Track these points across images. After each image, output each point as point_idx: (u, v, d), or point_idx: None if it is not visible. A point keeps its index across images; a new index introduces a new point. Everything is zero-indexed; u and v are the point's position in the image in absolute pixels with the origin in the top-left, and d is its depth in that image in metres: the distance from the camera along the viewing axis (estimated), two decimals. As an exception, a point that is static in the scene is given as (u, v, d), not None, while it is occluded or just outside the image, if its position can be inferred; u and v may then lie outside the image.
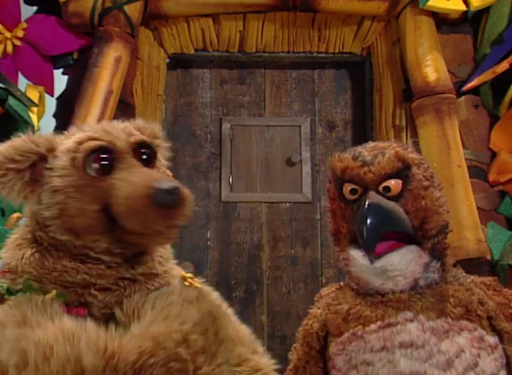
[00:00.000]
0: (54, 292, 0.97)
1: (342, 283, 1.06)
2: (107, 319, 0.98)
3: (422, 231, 0.93)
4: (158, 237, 0.99)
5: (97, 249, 0.99)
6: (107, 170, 0.97)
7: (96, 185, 0.96)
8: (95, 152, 0.97)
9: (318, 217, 2.19)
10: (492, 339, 0.93)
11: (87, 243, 0.98)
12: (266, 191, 2.20)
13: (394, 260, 0.92)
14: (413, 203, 0.93)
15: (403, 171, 0.94)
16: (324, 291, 1.09)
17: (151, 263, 1.06)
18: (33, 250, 1.00)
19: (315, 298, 1.09)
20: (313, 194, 2.20)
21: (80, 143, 0.99)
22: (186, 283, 1.16)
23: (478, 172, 1.87)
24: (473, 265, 1.67)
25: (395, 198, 0.93)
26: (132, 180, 0.96)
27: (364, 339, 0.91)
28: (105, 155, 0.98)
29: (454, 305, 0.94)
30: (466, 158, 1.82)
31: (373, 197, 0.92)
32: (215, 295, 1.11)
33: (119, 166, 0.98)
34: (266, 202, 2.20)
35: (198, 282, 1.16)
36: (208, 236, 2.17)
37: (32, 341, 0.84)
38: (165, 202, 0.93)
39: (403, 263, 0.92)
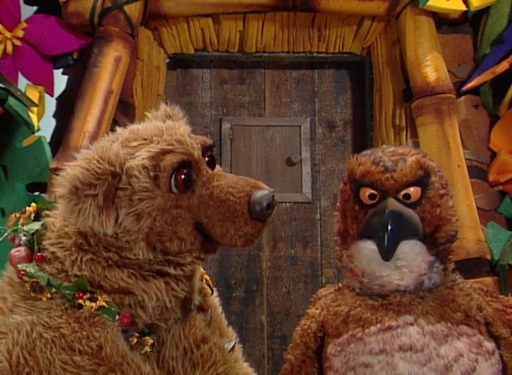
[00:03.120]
0: (105, 297, 0.91)
1: (340, 285, 1.06)
2: (147, 329, 0.97)
3: (432, 238, 0.94)
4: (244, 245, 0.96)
5: (180, 264, 0.94)
6: (189, 185, 0.91)
7: (183, 204, 0.90)
8: (177, 169, 0.90)
9: (318, 217, 2.19)
10: (489, 345, 0.94)
11: (173, 259, 0.93)
12: (266, 191, 2.20)
13: (404, 248, 0.91)
14: (429, 211, 0.93)
15: (423, 179, 0.94)
16: (321, 292, 1.09)
17: (196, 276, 1.04)
18: (93, 258, 0.92)
19: (312, 299, 1.09)
20: (313, 194, 2.20)
21: (157, 159, 0.90)
22: (203, 281, 1.16)
23: (478, 172, 1.87)
24: (473, 265, 1.67)
25: (413, 205, 0.93)
26: (224, 198, 0.91)
27: (364, 341, 0.92)
28: (187, 170, 0.91)
29: (454, 310, 0.94)
30: (466, 158, 1.82)
31: (393, 204, 0.92)
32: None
33: (199, 179, 0.93)
34: (266, 202, 2.19)
35: (208, 279, 1.17)
36: (208, 236, 2.17)
37: None
38: (265, 217, 0.91)
39: (412, 254, 0.92)
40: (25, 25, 1.95)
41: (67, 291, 0.91)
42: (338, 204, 1.02)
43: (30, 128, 1.82)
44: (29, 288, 0.92)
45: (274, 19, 2.06)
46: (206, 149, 0.99)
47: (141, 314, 0.94)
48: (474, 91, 1.91)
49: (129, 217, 0.89)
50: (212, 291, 1.17)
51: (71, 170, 0.88)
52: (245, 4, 1.97)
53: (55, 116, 2.04)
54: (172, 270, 0.94)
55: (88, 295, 0.91)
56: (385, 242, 0.89)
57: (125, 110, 1.98)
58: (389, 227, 0.89)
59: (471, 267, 1.67)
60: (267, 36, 2.10)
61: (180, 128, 0.99)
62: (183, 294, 0.98)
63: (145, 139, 0.94)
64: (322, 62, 2.27)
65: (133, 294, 0.93)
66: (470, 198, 1.75)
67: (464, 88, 1.90)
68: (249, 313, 2.10)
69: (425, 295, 0.95)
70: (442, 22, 1.97)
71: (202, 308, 1.10)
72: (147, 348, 0.95)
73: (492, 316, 0.97)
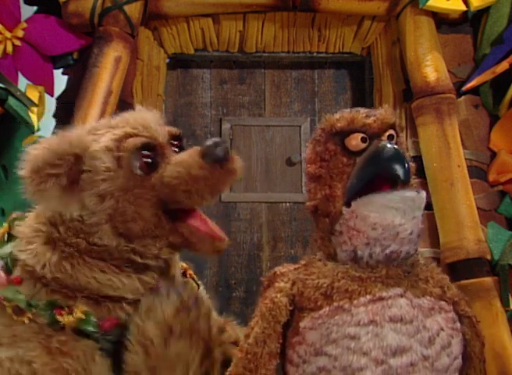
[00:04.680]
0: (81, 308, 0.91)
1: (305, 261, 1.05)
2: None
3: None
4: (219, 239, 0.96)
5: (147, 254, 0.94)
6: (153, 168, 0.92)
7: (146, 185, 0.91)
8: (139, 150, 0.91)
9: (318, 217, 2.19)
10: (458, 323, 0.96)
11: (139, 247, 0.93)
12: (266, 191, 2.20)
13: (422, 194, 0.93)
14: None
15: (395, 125, 0.99)
16: (280, 269, 1.06)
17: (175, 266, 1.04)
18: (63, 261, 0.93)
19: (267, 277, 1.06)
20: (313, 194, 2.20)
21: (120, 140, 0.92)
22: (187, 276, 1.16)
23: (478, 172, 1.87)
24: (473, 265, 1.67)
25: None
26: (178, 160, 0.92)
27: (351, 312, 0.91)
28: (150, 153, 0.92)
29: (434, 285, 0.96)
30: (466, 158, 1.82)
31: (387, 141, 0.94)
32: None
33: (163, 161, 0.93)
34: (266, 202, 2.20)
35: (194, 274, 1.16)
36: (208, 236, 2.17)
37: None
38: (220, 156, 0.90)
39: (422, 199, 0.93)
40: (25, 25, 1.95)
41: (44, 312, 0.91)
42: (311, 172, 1.00)
43: (30, 128, 1.82)
44: (11, 312, 0.92)
45: (274, 19, 2.06)
46: (175, 138, 1.00)
47: (121, 313, 0.94)
48: (474, 91, 1.91)
49: (93, 198, 0.89)
50: (198, 285, 1.17)
51: (33, 151, 0.90)
52: (245, 4, 1.97)
53: (55, 116, 2.04)
54: (139, 259, 0.93)
55: (67, 310, 0.91)
56: (405, 164, 0.90)
57: (125, 110, 1.97)
58: (400, 151, 0.91)
59: (471, 267, 1.67)
60: (267, 36, 2.10)
61: (148, 115, 1.00)
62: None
63: (111, 127, 0.96)
64: (322, 62, 2.27)
65: (109, 297, 0.93)
66: (470, 198, 1.75)
67: (464, 88, 1.90)
68: (249, 313, 2.09)
69: (410, 270, 0.95)
70: (442, 22, 1.97)
71: None
72: None
73: (458, 295, 0.99)
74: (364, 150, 0.95)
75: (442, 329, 0.91)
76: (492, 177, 1.85)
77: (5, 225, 1.03)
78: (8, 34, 1.93)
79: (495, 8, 1.90)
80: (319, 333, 0.92)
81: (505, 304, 1.62)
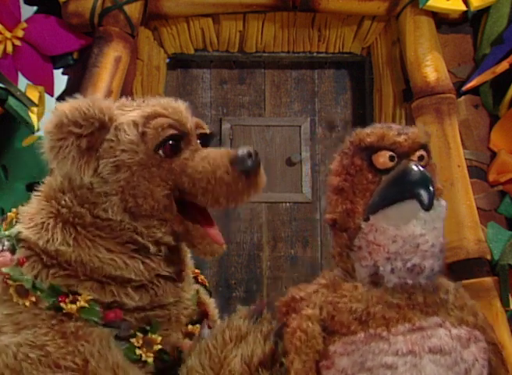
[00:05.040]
0: (86, 297, 0.90)
1: (324, 281, 1.00)
2: (141, 324, 0.95)
3: None
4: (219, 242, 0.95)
5: (149, 236, 0.92)
6: (176, 151, 0.90)
7: (165, 167, 0.89)
8: (166, 131, 0.90)
9: (318, 217, 2.19)
10: (488, 352, 0.93)
11: (142, 227, 0.91)
12: (266, 191, 2.18)
13: (442, 202, 0.91)
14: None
15: (428, 146, 0.95)
16: (298, 293, 1.01)
17: (183, 261, 1.02)
18: (66, 233, 0.90)
19: (284, 301, 1.00)
20: (313, 194, 2.20)
21: (148, 118, 0.90)
22: (199, 281, 1.15)
23: (478, 172, 1.87)
24: (473, 265, 1.67)
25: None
26: (205, 155, 0.90)
27: (389, 341, 0.87)
28: (177, 135, 0.91)
29: (468, 313, 0.93)
30: (466, 158, 1.82)
31: (416, 163, 0.91)
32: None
33: (187, 148, 0.92)
34: (266, 202, 2.20)
35: (205, 280, 1.16)
36: (208, 236, 2.17)
37: None
38: (249, 167, 0.88)
39: (443, 208, 0.91)
40: (25, 25, 1.95)
41: (47, 299, 0.90)
42: (335, 185, 0.97)
43: (30, 128, 1.82)
44: (13, 292, 0.91)
45: (274, 19, 2.06)
46: (203, 135, 0.99)
47: (126, 300, 0.92)
48: (474, 91, 1.91)
49: (109, 166, 0.88)
50: (210, 292, 1.16)
51: (61, 107, 0.89)
52: (245, 4, 1.97)
53: (55, 116, 2.03)
54: (140, 239, 0.92)
55: (71, 298, 0.90)
56: (430, 190, 0.87)
57: (125, 110, 1.97)
58: (427, 175, 0.88)
59: (471, 267, 1.67)
60: (267, 36, 2.10)
61: (180, 103, 0.99)
62: (166, 273, 0.96)
63: (140, 105, 0.94)
64: (322, 62, 2.27)
65: (112, 278, 0.91)
66: (470, 198, 1.75)
67: (464, 88, 1.90)
68: (249, 313, 2.10)
69: (446, 297, 0.92)
70: (442, 22, 1.96)
71: (203, 311, 1.09)
72: (159, 347, 0.94)
73: (485, 322, 0.96)
74: (391, 169, 0.92)
75: (476, 360, 0.89)
76: (492, 177, 1.85)
77: (14, 210, 1.02)
78: (8, 34, 1.93)
79: (495, 8, 1.90)
80: (352, 360, 0.89)
81: (505, 304, 1.61)
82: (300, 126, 2.24)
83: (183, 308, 1.02)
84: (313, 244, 2.18)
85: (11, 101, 1.76)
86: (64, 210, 0.92)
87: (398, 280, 0.91)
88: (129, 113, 0.92)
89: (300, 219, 2.19)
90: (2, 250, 0.96)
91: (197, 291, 1.10)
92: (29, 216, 0.96)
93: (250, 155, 0.90)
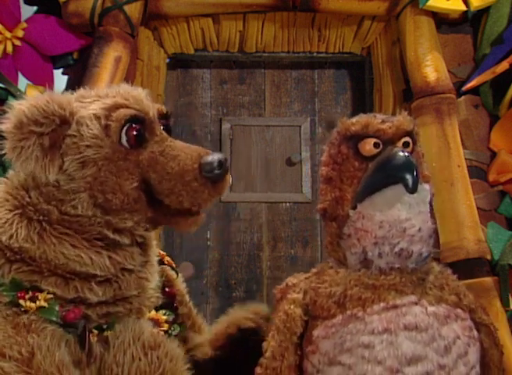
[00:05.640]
0: (46, 295, 0.88)
1: (317, 269, 1.03)
2: (101, 320, 0.94)
3: None
4: (196, 213, 0.93)
5: (120, 228, 0.91)
6: (140, 142, 0.90)
7: (132, 159, 0.89)
8: (129, 122, 0.89)
9: (318, 217, 2.19)
10: (475, 331, 0.94)
11: (113, 220, 0.90)
12: (266, 191, 2.20)
13: (425, 186, 0.93)
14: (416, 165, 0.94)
15: (413, 132, 0.97)
16: (292, 280, 1.05)
17: (148, 251, 1.01)
18: (31, 229, 0.89)
19: (280, 289, 1.04)
20: (313, 194, 2.20)
21: (109, 110, 0.89)
22: (165, 263, 1.15)
23: (478, 172, 1.87)
24: (473, 265, 1.67)
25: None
26: (175, 154, 0.89)
27: (365, 320, 0.89)
28: (139, 126, 0.90)
29: (449, 292, 0.95)
30: (466, 158, 1.82)
31: (401, 149, 0.93)
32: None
33: (151, 138, 0.91)
34: (266, 202, 2.20)
35: (171, 261, 1.16)
36: (208, 236, 2.17)
37: None
38: (217, 176, 0.88)
39: (426, 192, 0.93)
40: (25, 25, 1.95)
41: (7, 293, 0.89)
42: (324, 175, 1.00)
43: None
44: None
45: (274, 19, 2.06)
46: (162, 116, 0.98)
47: (89, 295, 0.91)
48: (474, 91, 1.91)
49: (74, 163, 0.87)
50: (177, 273, 1.16)
51: (19, 106, 0.87)
52: (245, 4, 1.96)
53: (55, 115, 2.03)
54: (111, 234, 0.91)
55: (30, 294, 0.88)
56: (414, 174, 0.88)
57: (125, 110, 1.97)
58: (411, 159, 0.90)
59: (471, 267, 1.66)
60: (267, 36, 2.10)
61: (139, 90, 0.97)
62: (131, 267, 0.95)
63: (100, 96, 0.93)
64: (322, 62, 2.27)
65: (77, 273, 0.90)
66: (470, 198, 1.75)
67: (464, 88, 1.90)
68: (249, 313, 2.10)
69: (424, 277, 0.94)
70: (442, 22, 1.96)
71: (169, 293, 1.09)
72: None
73: (474, 303, 0.98)
74: (376, 155, 0.94)
75: (458, 337, 0.90)
76: (492, 177, 1.85)
77: None
78: (8, 34, 1.93)
79: (495, 8, 1.90)
80: (333, 342, 0.91)
81: (505, 304, 1.61)
82: (300, 126, 2.24)
83: (145, 299, 1.01)
84: (313, 244, 2.18)
85: (11, 101, 1.76)
86: (29, 207, 0.91)
87: (386, 265, 0.92)
88: (89, 106, 0.90)
89: (300, 219, 2.19)
90: None
91: (162, 274, 1.10)
92: None
93: (220, 164, 0.90)
